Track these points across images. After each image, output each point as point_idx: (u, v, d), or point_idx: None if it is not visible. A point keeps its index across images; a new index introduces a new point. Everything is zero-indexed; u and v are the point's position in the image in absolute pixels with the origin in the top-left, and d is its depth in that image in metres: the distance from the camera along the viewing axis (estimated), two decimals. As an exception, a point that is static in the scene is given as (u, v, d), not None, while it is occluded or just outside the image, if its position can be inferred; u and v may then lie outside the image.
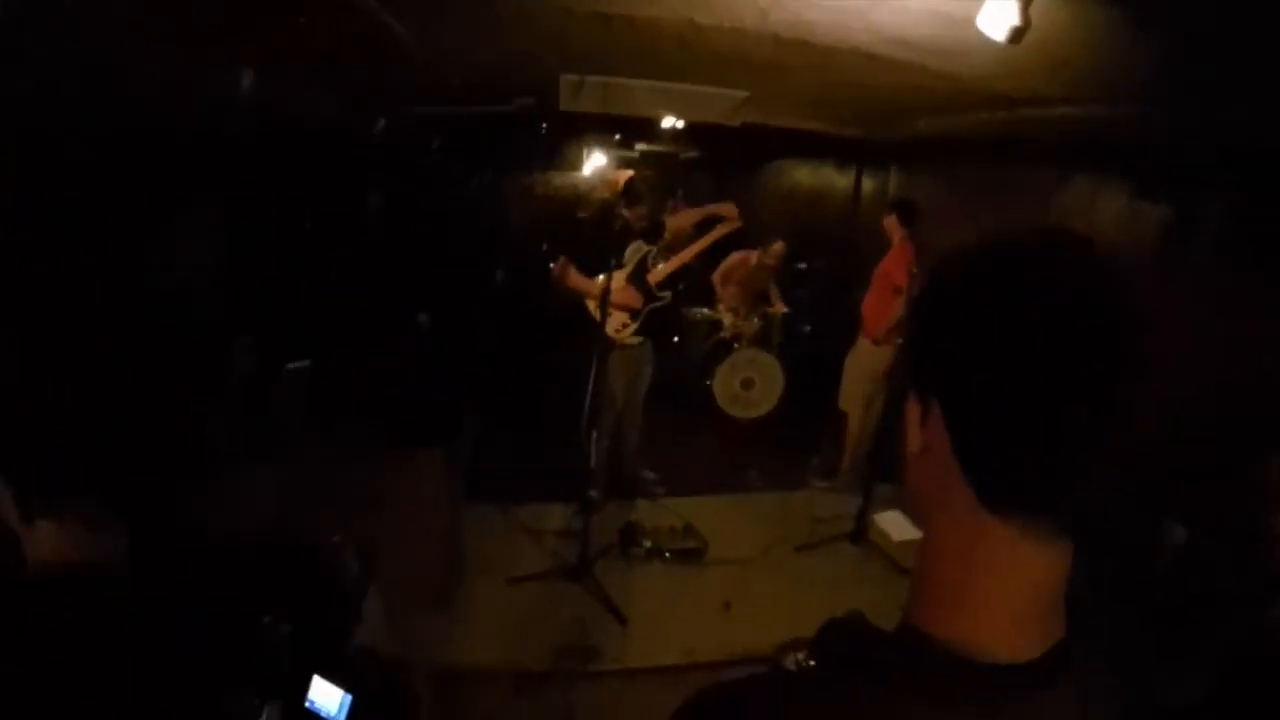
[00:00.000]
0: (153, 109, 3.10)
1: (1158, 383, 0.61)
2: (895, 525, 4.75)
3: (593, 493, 4.52)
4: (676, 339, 7.22)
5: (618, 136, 8.10)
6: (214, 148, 3.58)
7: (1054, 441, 0.60)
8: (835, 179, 8.03)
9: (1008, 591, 0.64)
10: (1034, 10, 2.14)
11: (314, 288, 4.44)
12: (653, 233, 4.81)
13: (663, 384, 5.35)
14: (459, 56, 4.11)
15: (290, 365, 4.12)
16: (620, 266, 4.62)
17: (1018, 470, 0.62)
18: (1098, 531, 0.63)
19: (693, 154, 9.08)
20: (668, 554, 4.44)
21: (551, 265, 4.65)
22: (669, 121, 5.84)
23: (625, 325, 4.73)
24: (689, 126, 5.94)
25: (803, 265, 7.35)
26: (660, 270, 4.83)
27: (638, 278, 4.72)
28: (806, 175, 8.58)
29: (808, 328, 7.20)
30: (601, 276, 4.28)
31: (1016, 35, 2.19)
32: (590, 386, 4.46)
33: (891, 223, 5.18)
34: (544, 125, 6.72)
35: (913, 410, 0.70)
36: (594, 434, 4.52)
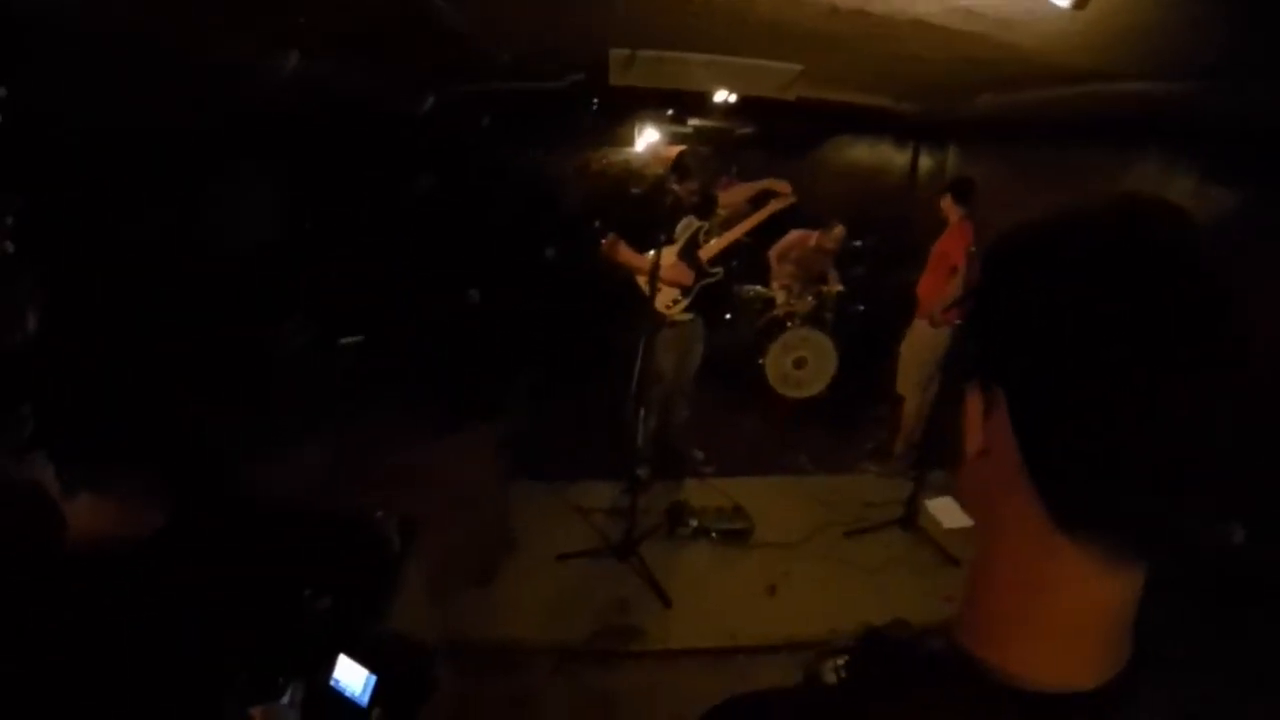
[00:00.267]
0: (206, 88, 3.15)
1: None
2: (946, 512, 4.66)
3: (640, 471, 4.49)
4: (728, 316, 7.15)
5: (670, 112, 8.01)
6: (266, 126, 3.62)
7: (1148, 447, 0.50)
8: (892, 156, 7.85)
9: (1073, 621, 0.56)
10: (1102, -24, 2.03)
11: (366, 263, 4.48)
12: (704, 208, 4.73)
13: (713, 362, 5.30)
14: (508, 32, 4.08)
15: (343, 340, 4.18)
16: (671, 242, 4.57)
17: (1101, 483, 0.52)
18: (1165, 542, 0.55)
19: (746, 130, 8.95)
20: (714, 534, 4.41)
21: (602, 241, 4.62)
22: (721, 96, 5.74)
23: (675, 301, 4.68)
24: (742, 101, 5.83)
25: (858, 243, 7.20)
26: (712, 246, 4.76)
27: (688, 253, 4.66)
28: (863, 152, 8.40)
29: (861, 307, 7.06)
30: (651, 252, 4.24)
31: (1081, 1, 2.08)
32: (638, 363, 4.43)
33: (948, 203, 5.03)
34: (594, 101, 6.67)
35: (974, 404, 0.60)
36: (642, 412, 4.49)
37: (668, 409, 4.98)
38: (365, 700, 1.42)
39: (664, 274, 4.32)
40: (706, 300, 4.82)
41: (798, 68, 4.61)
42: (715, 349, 5.25)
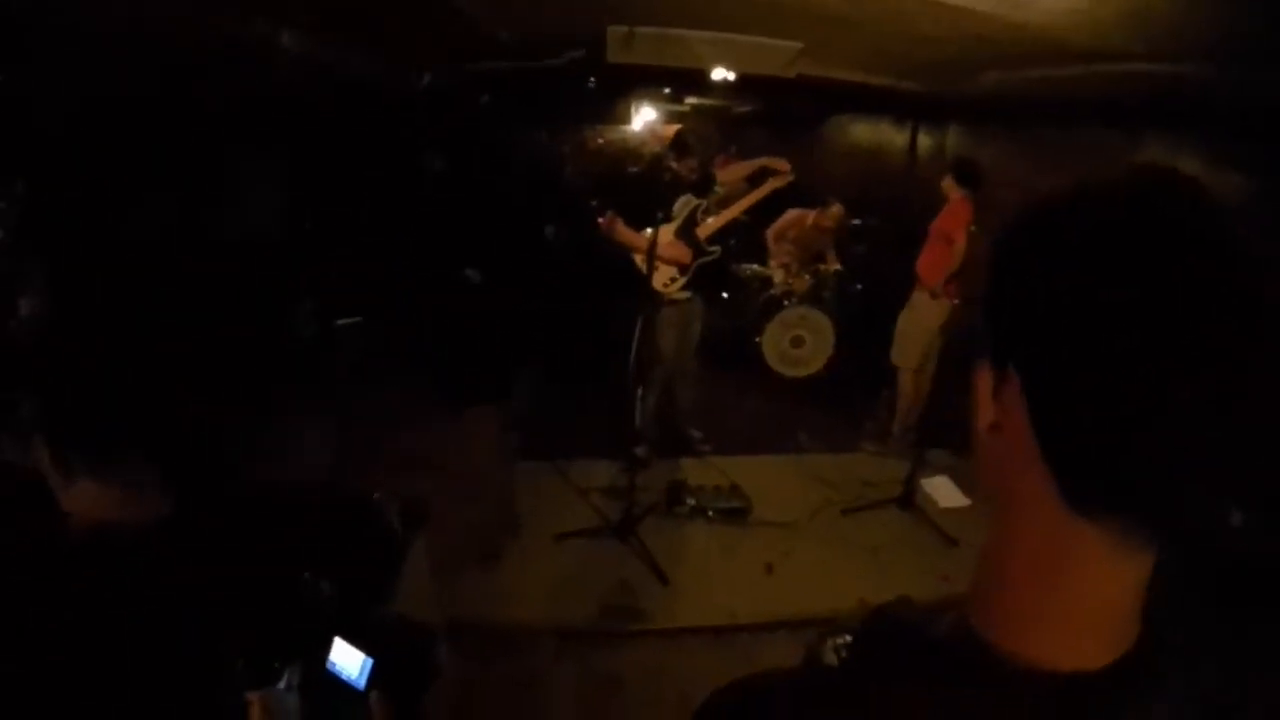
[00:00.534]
0: (202, 70, 3.11)
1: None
2: (942, 492, 4.68)
3: (639, 450, 4.49)
4: (726, 295, 7.14)
5: (667, 90, 7.96)
6: (263, 108, 3.58)
7: (1168, 425, 0.49)
8: (892, 135, 7.81)
9: (1086, 601, 0.56)
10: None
11: (363, 244, 4.46)
12: (702, 186, 4.71)
13: (712, 341, 5.29)
14: (507, 9, 4.03)
15: (341, 321, 4.17)
16: (668, 220, 4.55)
17: (1118, 461, 0.51)
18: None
19: (745, 108, 8.89)
20: (711, 513, 4.42)
21: (600, 220, 4.60)
22: (720, 74, 5.70)
23: (673, 280, 4.67)
24: (741, 79, 5.78)
25: (856, 222, 7.18)
26: (710, 224, 4.74)
27: (686, 232, 4.64)
28: (862, 130, 8.36)
29: (859, 286, 7.06)
30: (649, 230, 4.21)
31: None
32: (635, 342, 4.43)
33: (949, 183, 5.02)
34: (592, 79, 6.61)
35: (984, 379, 0.59)
36: (640, 391, 4.49)
37: (669, 389, 4.98)
38: (362, 683, 1.41)
39: (661, 252, 4.30)
40: (704, 279, 4.81)
41: (798, 45, 4.56)
42: (713, 328, 5.25)
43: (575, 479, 4.67)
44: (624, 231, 4.51)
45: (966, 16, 3.10)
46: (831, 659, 0.67)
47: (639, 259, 4.44)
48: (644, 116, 8.19)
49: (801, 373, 6.53)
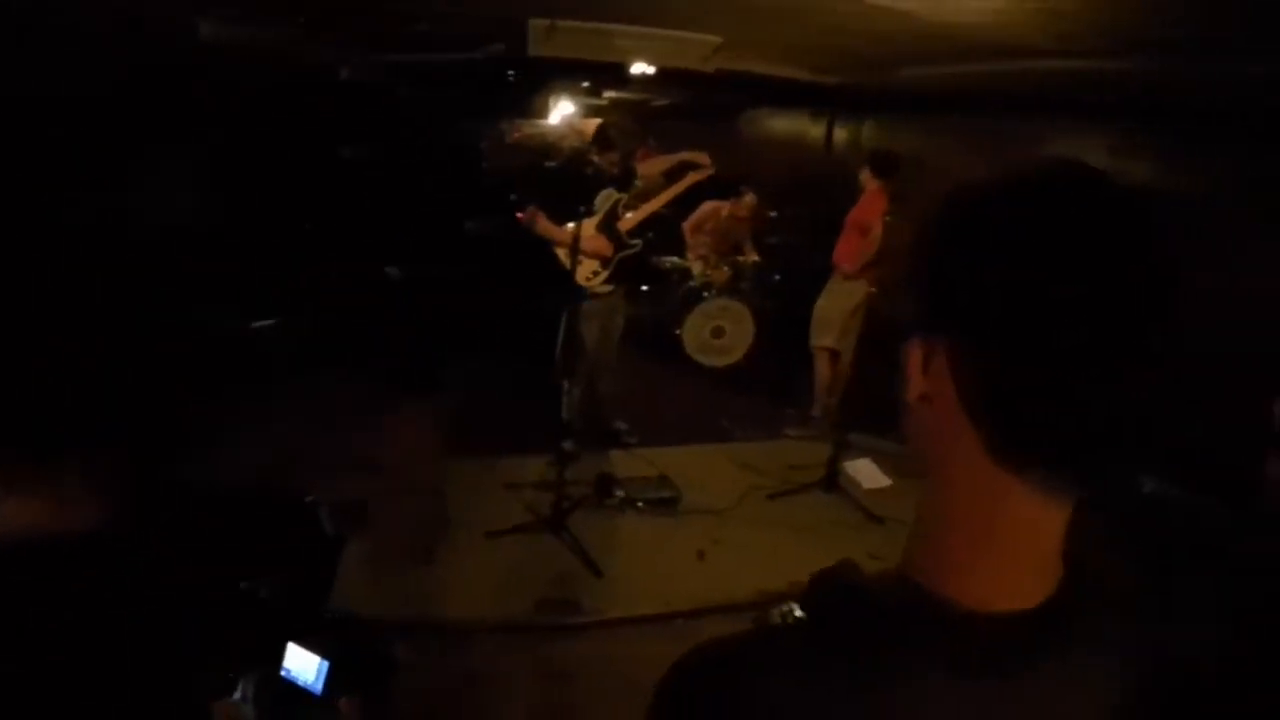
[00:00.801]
0: (113, 53, 2.96)
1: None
2: (865, 473, 4.82)
3: (566, 444, 4.50)
4: (646, 288, 7.19)
5: (586, 84, 7.95)
6: (179, 97, 3.44)
7: (1079, 389, 0.55)
8: (809, 127, 7.98)
9: (1013, 548, 0.61)
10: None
11: (281, 241, 4.32)
12: (624, 180, 4.74)
13: (634, 333, 5.33)
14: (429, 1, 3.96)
15: (255, 324, 4.04)
16: (591, 214, 4.57)
17: (1036, 421, 0.57)
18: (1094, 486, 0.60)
19: (663, 101, 8.95)
20: (641, 504, 4.45)
21: (519, 215, 4.58)
22: (639, 68, 5.73)
23: (596, 273, 4.69)
24: (660, 73, 5.83)
25: (774, 214, 7.32)
26: (631, 218, 4.78)
27: (608, 225, 4.67)
28: (779, 123, 8.51)
29: (777, 276, 7.20)
30: (571, 224, 4.22)
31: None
32: (560, 336, 4.43)
33: (866, 174, 5.19)
34: (511, 73, 6.56)
35: (915, 354, 0.64)
36: (565, 384, 4.50)
37: (592, 381, 4.99)
38: (320, 687, 1.39)
39: (584, 246, 4.32)
40: (625, 272, 4.85)
41: (718, 40, 4.61)
42: (634, 320, 5.28)
43: (505, 474, 4.64)
44: (546, 225, 4.52)
45: (886, 15, 3.19)
46: (779, 624, 0.70)
47: (562, 253, 4.46)
48: (562, 110, 8.17)
49: (723, 362, 6.63)
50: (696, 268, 6.91)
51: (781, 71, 5.70)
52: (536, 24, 4.38)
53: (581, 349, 4.71)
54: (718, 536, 4.21)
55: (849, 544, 4.09)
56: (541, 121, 8.22)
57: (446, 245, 6.28)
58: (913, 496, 0.68)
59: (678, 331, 6.50)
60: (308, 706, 1.40)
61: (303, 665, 1.41)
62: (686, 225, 6.95)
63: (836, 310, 5.41)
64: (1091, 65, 3.29)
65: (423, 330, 5.09)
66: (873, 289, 4.98)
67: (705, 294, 6.56)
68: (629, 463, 4.93)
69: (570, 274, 4.23)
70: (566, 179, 4.74)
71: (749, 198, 6.67)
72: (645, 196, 4.92)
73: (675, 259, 7.19)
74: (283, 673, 1.41)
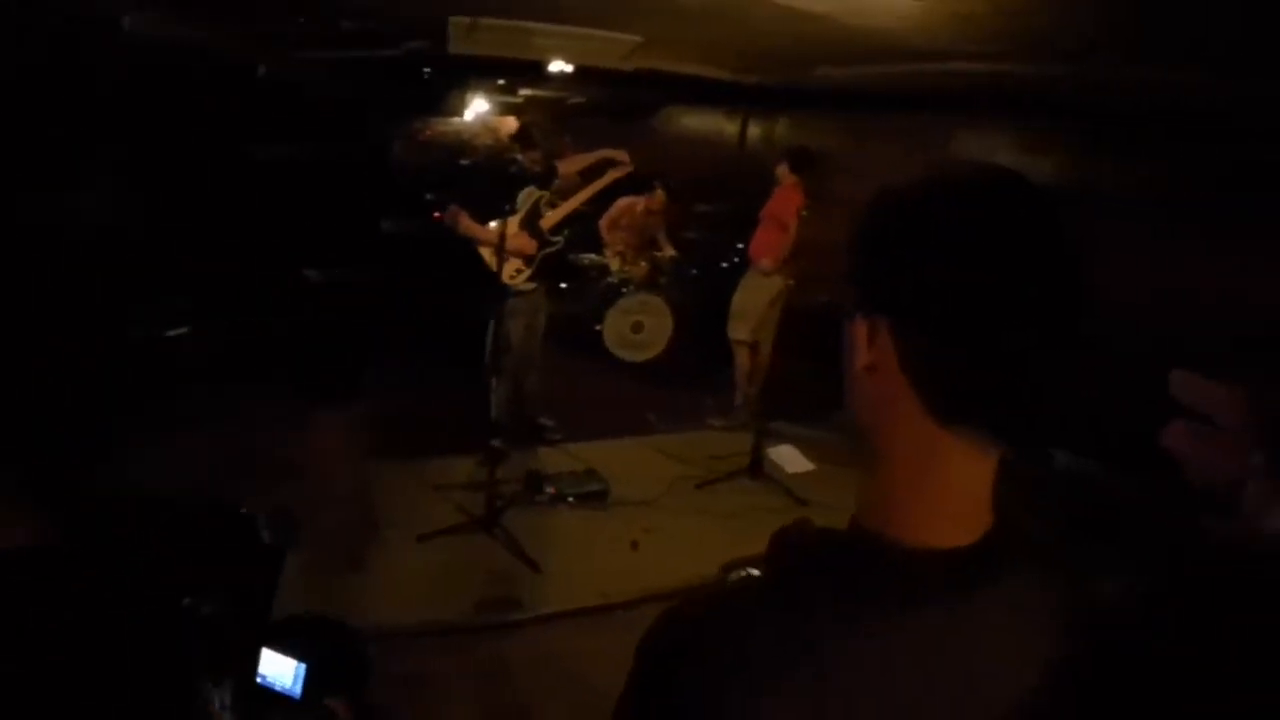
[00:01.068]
0: (33, 50, 2.81)
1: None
2: (788, 458, 4.96)
3: (495, 443, 4.50)
4: (565, 285, 7.21)
5: (501, 81, 7.89)
6: (93, 93, 3.29)
7: (1006, 361, 0.66)
8: (724, 124, 8.11)
9: (951, 493, 0.72)
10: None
11: (191, 248, 4.17)
12: (546, 178, 4.77)
13: (556, 330, 5.36)
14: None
15: (169, 333, 3.90)
16: (514, 212, 4.58)
17: (969, 387, 0.68)
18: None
19: (579, 99, 8.96)
20: (571, 499, 4.50)
21: (436, 214, 4.55)
22: (557, 66, 5.73)
23: (520, 271, 4.71)
24: (578, 70, 5.85)
25: (684, 205, 7.43)
26: (552, 215, 4.81)
27: (530, 223, 4.70)
28: (694, 120, 8.63)
29: (695, 270, 7.32)
30: (495, 223, 4.23)
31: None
32: (489, 334, 4.43)
33: (783, 169, 5.34)
34: (426, 70, 6.47)
35: (860, 330, 0.73)
36: (493, 383, 4.50)
37: (518, 379, 5.00)
38: (299, 691, 1.40)
39: (508, 244, 4.33)
40: (548, 269, 4.89)
41: (637, 39, 4.66)
42: (555, 317, 5.32)
43: (433, 476, 4.61)
44: (469, 224, 4.52)
45: (803, 18, 3.29)
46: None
47: (486, 252, 4.46)
48: (476, 108, 8.09)
49: (643, 356, 6.72)
50: (614, 264, 6.98)
51: (701, 70, 5.79)
52: (457, 22, 4.35)
53: (507, 347, 4.72)
54: (648, 526, 4.29)
55: (776, 527, 4.20)
56: (455, 119, 8.13)
57: (365, 246, 6.17)
58: (835, 480, 0.79)
59: (598, 327, 6.56)
60: (288, 710, 1.40)
61: (279, 670, 1.41)
62: (603, 222, 7.00)
63: (753, 303, 5.54)
64: (1001, 68, 3.46)
65: (343, 333, 4.99)
66: (790, 281, 5.12)
67: (624, 290, 6.63)
68: (556, 458, 4.98)
69: (496, 273, 4.24)
70: (488, 177, 4.72)
71: (659, 192, 6.77)
72: (564, 194, 4.95)
73: (594, 256, 7.23)
74: (259, 679, 1.41)
